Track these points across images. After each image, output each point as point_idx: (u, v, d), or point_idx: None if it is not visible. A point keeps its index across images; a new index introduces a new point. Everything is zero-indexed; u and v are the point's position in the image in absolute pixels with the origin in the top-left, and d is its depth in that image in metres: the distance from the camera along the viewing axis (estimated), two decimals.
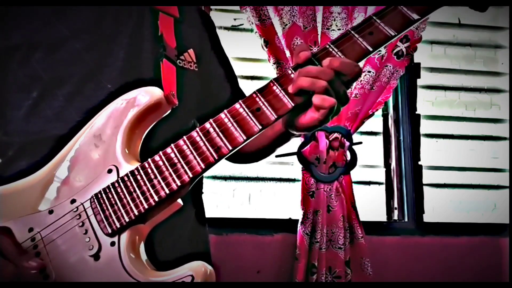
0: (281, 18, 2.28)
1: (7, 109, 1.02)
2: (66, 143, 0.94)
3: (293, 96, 0.86)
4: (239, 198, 2.50)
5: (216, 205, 2.45)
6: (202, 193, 1.18)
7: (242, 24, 2.55)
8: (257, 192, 2.51)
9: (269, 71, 2.37)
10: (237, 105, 0.87)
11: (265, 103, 0.87)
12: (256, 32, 2.33)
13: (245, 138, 0.85)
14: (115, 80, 1.00)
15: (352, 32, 0.88)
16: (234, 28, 2.57)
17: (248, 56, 2.51)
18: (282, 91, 0.87)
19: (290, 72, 0.88)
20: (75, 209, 0.88)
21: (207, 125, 0.87)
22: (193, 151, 0.86)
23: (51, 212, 0.89)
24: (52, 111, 0.99)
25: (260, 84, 0.90)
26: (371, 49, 0.87)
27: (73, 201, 0.89)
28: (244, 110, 0.87)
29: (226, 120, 0.87)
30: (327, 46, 0.89)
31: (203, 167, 0.85)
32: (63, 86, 0.99)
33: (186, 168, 0.85)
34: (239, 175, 2.50)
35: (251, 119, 0.86)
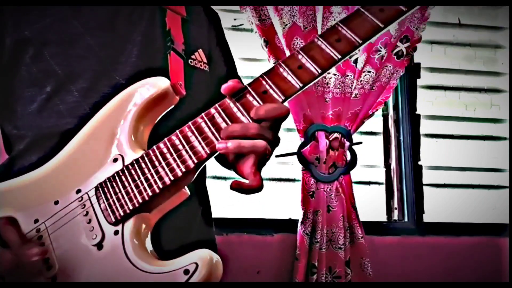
0: (281, 18, 2.27)
1: (18, 104, 1.02)
2: (74, 136, 0.94)
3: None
4: (239, 198, 2.50)
5: (217, 205, 2.45)
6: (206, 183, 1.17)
7: (242, 24, 2.55)
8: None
9: None
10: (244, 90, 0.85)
11: (272, 85, 0.83)
12: (256, 32, 2.33)
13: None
14: (128, 76, 1.00)
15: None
16: (234, 28, 2.57)
17: (248, 56, 2.51)
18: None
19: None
20: (80, 199, 0.88)
21: (212, 110, 0.85)
22: (198, 136, 0.84)
23: (56, 202, 0.89)
24: (65, 106, 0.99)
25: None
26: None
27: (78, 191, 0.89)
28: (250, 94, 0.84)
29: (231, 105, 0.84)
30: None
31: (208, 152, 0.83)
32: (77, 82, 0.99)
33: (190, 153, 0.83)
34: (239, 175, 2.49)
35: (258, 102, 0.83)
